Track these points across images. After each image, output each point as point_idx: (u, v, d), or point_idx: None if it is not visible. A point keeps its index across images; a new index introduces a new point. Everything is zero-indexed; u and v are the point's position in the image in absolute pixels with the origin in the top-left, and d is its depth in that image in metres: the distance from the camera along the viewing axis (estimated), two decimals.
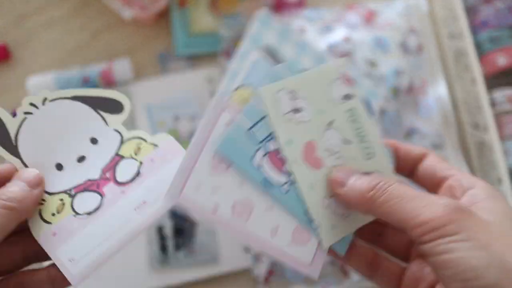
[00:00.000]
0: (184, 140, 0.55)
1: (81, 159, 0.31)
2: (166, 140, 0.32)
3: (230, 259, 0.53)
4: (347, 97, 0.32)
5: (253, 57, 0.30)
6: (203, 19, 0.60)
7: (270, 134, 0.29)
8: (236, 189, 0.28)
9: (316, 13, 0.58)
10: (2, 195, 0.28)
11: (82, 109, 0.32)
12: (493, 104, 0.54)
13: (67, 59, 0.59)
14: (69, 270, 0.29)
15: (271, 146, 0.29)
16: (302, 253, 0.29)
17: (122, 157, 0.31)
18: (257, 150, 0.29)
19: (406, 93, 0.55)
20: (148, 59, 0.59)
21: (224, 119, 0.28)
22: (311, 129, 0.30)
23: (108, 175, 0.31)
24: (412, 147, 0.33)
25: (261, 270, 0.52)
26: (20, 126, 0.31)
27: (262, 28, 0.30)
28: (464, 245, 0.23)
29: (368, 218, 0.31)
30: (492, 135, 0.52)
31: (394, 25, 0.57)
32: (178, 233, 0.53)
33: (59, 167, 0.31)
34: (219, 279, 0.53)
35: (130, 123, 0.56)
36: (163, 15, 0.60)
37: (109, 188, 0.31)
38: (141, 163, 0.31)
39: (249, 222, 0.28)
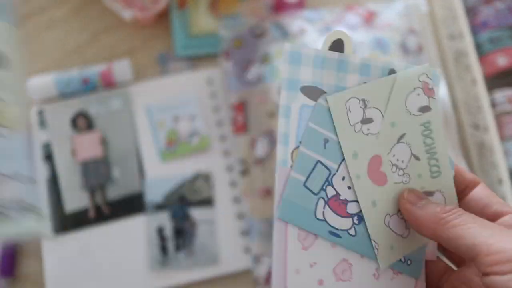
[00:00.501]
0: (184, 140, 0.55)
1: None
2: None
3: (230, 260, 0.53)
4: (425, 109, 0.29)
5: (296, 107, 0.27)
6: (203, 20, 0.60)
7: (326, 180, 0.27)
8: (330, 255, 0.27)
9: (316, 13, 0.58)
10: None
11: None
12: (493, 104, 0.54)
13: (67, 60, 0.59)
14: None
15: (329, 192, 0.27)
16: (405, 283, 0.28)
17: None
18: (317, 202, 0.27)
19: None
20: (148, 60, 0.59)
21: None
22: (379, 143, 0.28)
23: None
24: (465, 171, 0.31)
25: (261, 271, 0.51)
26: None
27: (294, 67, 0.27)
28: None
29: (427, 241, 0.30)
30: (493, 136, 0.52)
31: (393, 25, 0.57)
32: (178, 234, 0.53)
33: None
34: (219, 280, 0.53)
35: (130, 124, 0.56)
36: (163, 16, 0.60)
37: None
38: None
39: (353, 279, 0.28)
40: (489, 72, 0.55)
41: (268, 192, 0.53)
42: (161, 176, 0.54)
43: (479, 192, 0.30)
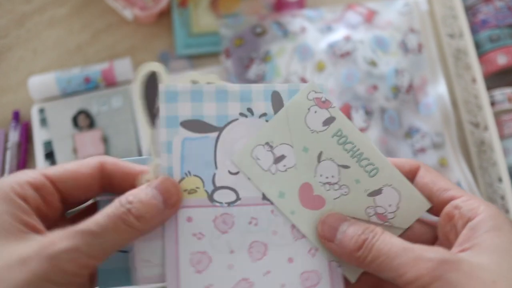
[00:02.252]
0: None
1: None
2: None
3: None
4: (329, 121, 0.29)
5: (178, 141, 0.28)
6: (204, 19, 0.60)
7: None
8: (227, 275, 0.28)
9: (316, 12, 0.59)
10: (133, 209, 0.25)
11: None
12: (493, 103, 0.54)
13: (68, 59, 0.59)
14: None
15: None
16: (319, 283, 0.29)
17: None
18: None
19: (406, 92, 0.55)
20: (149, 58, 0.59)
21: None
22: (300, 172, 0.29)
23: None
24: (403, 161, 0.30)
25: None
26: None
27: (171, 105, 0.28)
28: None
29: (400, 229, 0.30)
30: (492, 134, 0.52)
31: (394, 24, 0.57)
32: None
33: None
34: None
35: (131, 122, 0.56)
36: (164, 15, 0.60)
37: None
38: None
39: None
40: (489, 70, 0.55)
41: None
42: None
43: (421, 179, 0.29)
